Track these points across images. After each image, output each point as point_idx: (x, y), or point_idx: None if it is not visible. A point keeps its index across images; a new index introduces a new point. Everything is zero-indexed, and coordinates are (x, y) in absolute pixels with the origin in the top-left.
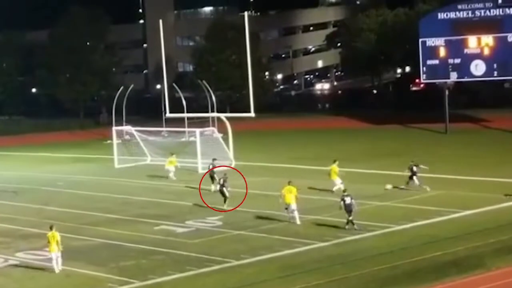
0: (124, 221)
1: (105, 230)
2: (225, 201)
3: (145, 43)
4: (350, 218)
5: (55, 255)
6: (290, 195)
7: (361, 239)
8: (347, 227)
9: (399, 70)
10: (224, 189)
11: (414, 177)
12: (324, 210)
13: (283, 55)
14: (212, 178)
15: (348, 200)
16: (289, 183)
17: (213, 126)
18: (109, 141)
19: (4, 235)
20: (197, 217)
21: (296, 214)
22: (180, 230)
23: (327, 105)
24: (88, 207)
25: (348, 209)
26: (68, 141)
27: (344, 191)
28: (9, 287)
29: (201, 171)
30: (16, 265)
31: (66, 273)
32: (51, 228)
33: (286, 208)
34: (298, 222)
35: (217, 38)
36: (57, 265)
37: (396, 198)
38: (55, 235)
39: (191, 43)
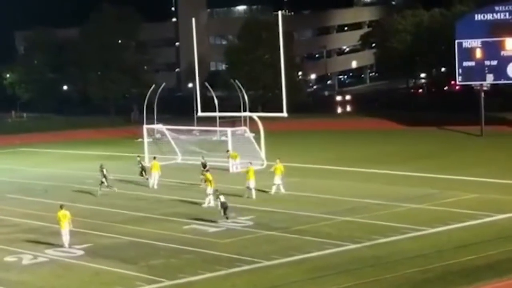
0: (154, 219)
1: (134, 228)
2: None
3: (177, 41)
4: (226, 214)
5: (65, 232)
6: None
7: (394, 241)
8: (224, 220)
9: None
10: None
11: None
12: (357, 211)
13: (317, 55)
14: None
15: (222, 198)
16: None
17: (245, 125)
18: (140, 140)
19: (33, 232)
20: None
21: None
22: (210, 229)
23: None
24: (117, 205)
25: (224, 206)
26: (98, 139)
27: (216, 190)
28: (37, 284)
29: (232, 170)
30: (45, 262)
31: (95, 270)
32: (61, 207)
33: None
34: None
35: (250, 37)
36: (67, 241)
37: (430, 200)
38: (66, 214)
39: (223, 42)
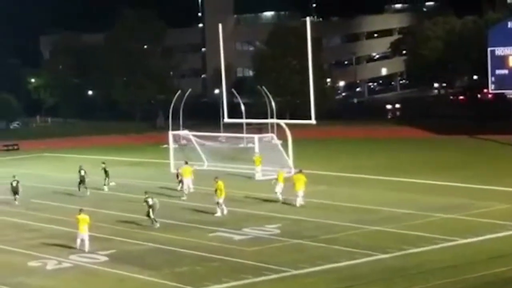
0: (179, 226)
1: (159, 235)
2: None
3: (203, 47)
4: (153, 216)
5: (82, 236)
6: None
7: (425, 251)
8: (150, 223)
9: (466, 79)
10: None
11: None
12: (387, 220)
13: (346, 62)
14: (181, 182)
15: (150, 201)
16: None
17: (272, 132)
18: (165, 146)
19: (58, 237)
20: (255, 225)
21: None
22: (237, 237)
23: (390, 114)
24: (142, 211)
25: (152, 208)
26: (123, 145)
27: (146, 192)
28: None
29: (258, 178)
30: (69, 268)
31: (119, 277)
32: (80, 211)
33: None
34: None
35: (278, 44)
36: (84, 246)
37: (462, 210)
38: (85, 218)
39: (251, 48)
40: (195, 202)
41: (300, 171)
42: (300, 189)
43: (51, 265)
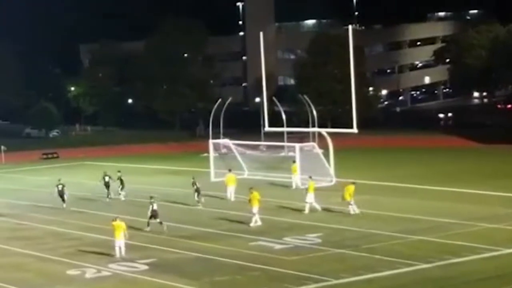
0: (219, 235)
1: (199, 244)
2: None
3: (244, 55)
4: (158, 220)
5: (119, 243)
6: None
7: (468, 261)
8: (148, 228)
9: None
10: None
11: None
12: (430, 230)
13: (388, 70)
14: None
15: (155, 206)
16: None
17: (313, 141)
18: (205, 154)
19: (97, 245)
20: (296, 234)
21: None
22: (277, 246)
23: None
24: (182, 220)
25: (154, 213)
26: (163, 153)
27: (151, 197)
28: None
29: (300, 187)
30: (108, 277)
31: (158, 286)
32: (116, 218)
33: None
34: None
35: (320, 52)
36: (121, 252)
37: (507, 220)
38: (121, 225)
39: (292, 56)
40: (235, 211)
41: (353, 183)
42: (348, 200)
43: (90, 273)
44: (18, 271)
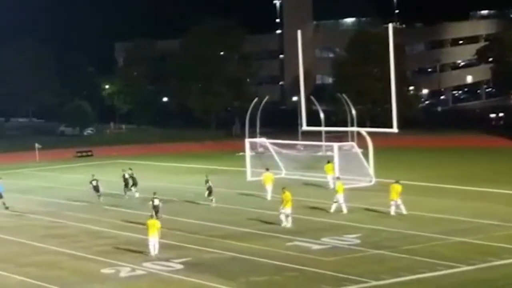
0: (255, 235)
1: (235, 244)
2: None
3: (281, 53)
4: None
5: (153, 241)
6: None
7: (510, 264)
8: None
9: None
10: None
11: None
12: (472, 231)
13: (430, 69)
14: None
15: (156, 201)
16: None
17: (352, 141)
18: (241, 153)
19: (132, 244)
20: (334, 234)
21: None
22: (314, 246)
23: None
24: (218, 220)
25: (156, 209)
26: (198, 152)
27: (154, 193)
28: None
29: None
30: (143, 276)
31: (194, 285)
32: (151, 217)
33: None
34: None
35: (359, 50)
36: (154, 250)
37: None
38: (155, 223)
39: (330, 55)
40: (272, 211)
41: (397, 182)
42: (395, 199)
43: (124, 272)
44: (52, 269)
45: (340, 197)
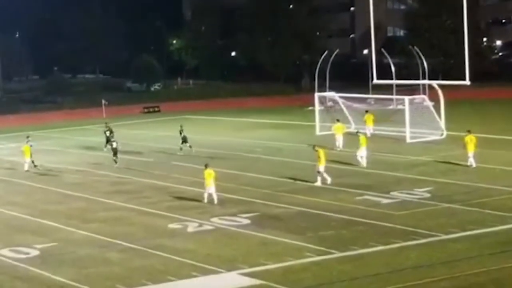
0: (324, 189)
1: (303, 198)
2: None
3: (352, 6)
4: (114, 157)
5: (210, 190)
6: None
7: None
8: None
9: None
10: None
11: None
12: None
13: (504, 20)
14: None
15: (114, 144)
16: None
17: (424, 94)
18: (310, 108)
19: (199, 199)
20: (403, 188)
21: None
22: (384, 201)
23: None
24: (286, 174)
25: (114, 151)
26: (267, 107)
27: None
28: (203, 252)
29: (409, 140)
30: (210, 231)
31: (261, 240)
32: (206, 167)
33: None
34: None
35: (432, 2)
36: (214, 199)
37: None
38: (211, 173)
39: (402, 7)
40: (342, 165)
41: (469, 132)
42: (472, 151)
43: (192, 227)
44: (121, 225)
45: (363, 150)
